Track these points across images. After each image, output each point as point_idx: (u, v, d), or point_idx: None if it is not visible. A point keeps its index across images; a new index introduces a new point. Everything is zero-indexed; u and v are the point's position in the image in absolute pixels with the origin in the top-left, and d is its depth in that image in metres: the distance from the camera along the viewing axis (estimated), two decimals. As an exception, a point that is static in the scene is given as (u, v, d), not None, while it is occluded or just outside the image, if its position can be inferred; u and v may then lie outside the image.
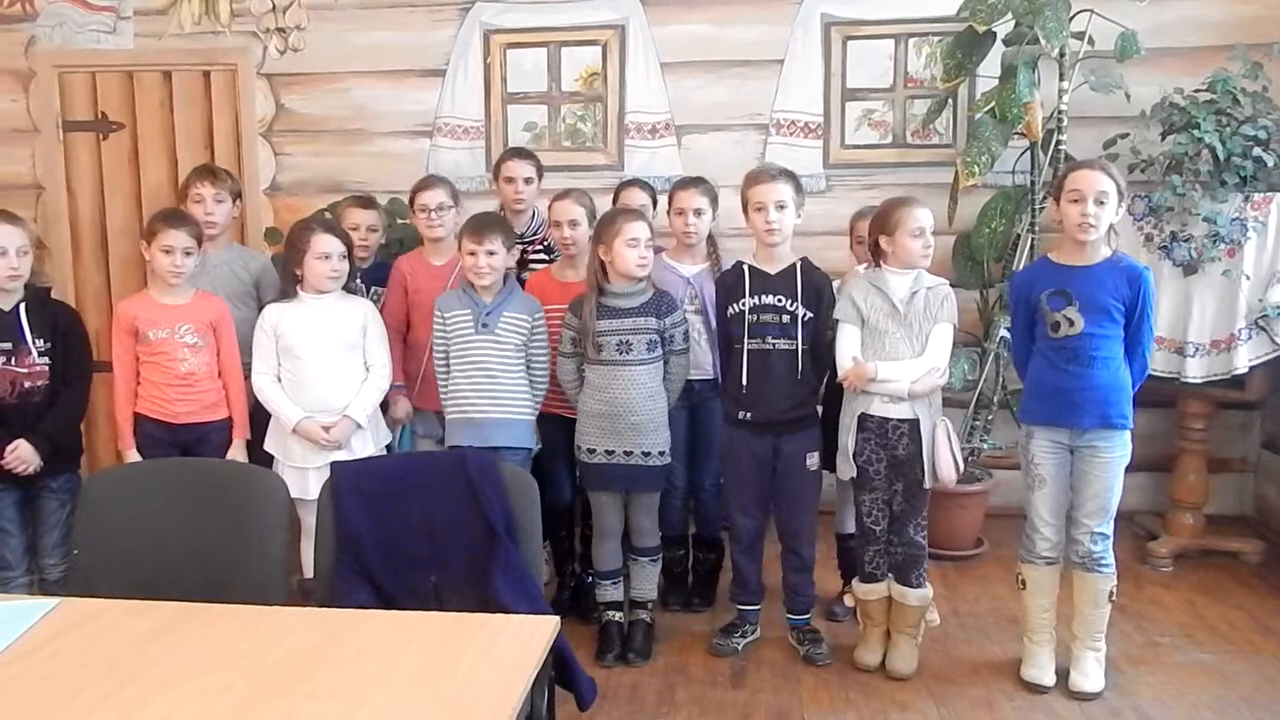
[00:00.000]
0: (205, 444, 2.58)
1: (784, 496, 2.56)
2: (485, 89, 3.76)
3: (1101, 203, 2.23)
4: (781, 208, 2.43)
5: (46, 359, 2.51)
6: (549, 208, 2.86)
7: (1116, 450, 2.32)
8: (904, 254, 2.37)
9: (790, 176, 2.48)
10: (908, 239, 2.36)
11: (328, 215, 3.01)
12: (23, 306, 2.51)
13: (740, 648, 2.61)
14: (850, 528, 2.81)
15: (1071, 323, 2.27)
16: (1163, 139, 3.17)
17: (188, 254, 2.56)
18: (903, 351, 2.40)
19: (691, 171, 3.19)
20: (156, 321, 2.56)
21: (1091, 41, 3.16)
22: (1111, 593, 2.40)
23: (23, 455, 2.46)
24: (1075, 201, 2.25)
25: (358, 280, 2.76)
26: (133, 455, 2.59)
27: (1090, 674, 2.37)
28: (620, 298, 2.49)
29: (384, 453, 2.69)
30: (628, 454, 2.51)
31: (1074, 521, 2.37)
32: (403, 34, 3.76)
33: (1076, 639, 2.40)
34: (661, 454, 2.55)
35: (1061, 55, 3.09)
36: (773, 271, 2.49)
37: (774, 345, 2.46)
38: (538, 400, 2.62)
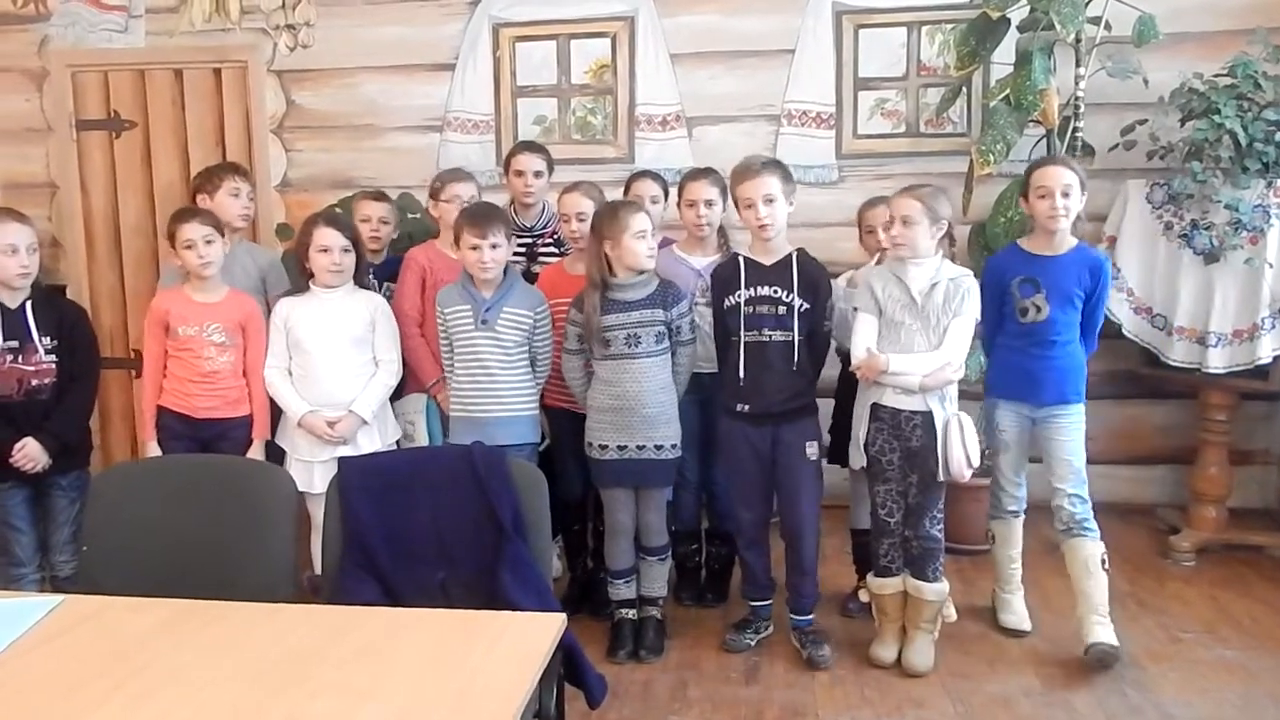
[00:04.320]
0: (225, 440, 2.58)
1: (785, 488, 2.51)
2: (495, 83, 3.74)
3: (1067, 195, 2.42)
4: (770, 201, 2.39)
5: (53, 357, 2.52)
6: (558, 201, 2.84)
7: (1074, 418, 2.52)
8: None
9: (776, 166, 2.44)
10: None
11: (338, 210, 3.00)
12: (29, 304, 2.51)
13: (753, 643, 2.59)
14: (866, 523, 2.77)
15: (1039, 309, 2.47)
16: (1182, 125, 3.11)
17: (209, 243, 2.56)
18: (918, 344, 2.37)
19: (702, 163, 3.16)
20: (187, 318, 2.57)
21: (1108, 26, 3.10)
22: (1104, 560, 2.49)
23: (30, 453, 2.47)
24: (1043, 197, 2.44)
25: (369, 276, 2.75)
26: (152, 447, 2.60)
27: (1105, 635, 2.46)
28: (626, 290, 2.46)
29: (393, 449, 2.68)
30: (639, 448, 2.49)
31: (1054, 492, 2.52)
32: (412, 28, 3.75)
33: (1080, 615, 2.50)
34: (673, 447, 2.52)
35: (1078, 41, 3.04)
36: (768, 263, 2.46)
37: (770, 337, 2.43)
38: (538, 388, 2.60)
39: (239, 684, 1.30)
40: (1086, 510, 2.49)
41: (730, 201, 2.78)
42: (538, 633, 1.40)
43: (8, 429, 2.46)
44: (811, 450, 2.49)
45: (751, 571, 2.61)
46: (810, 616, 2.57)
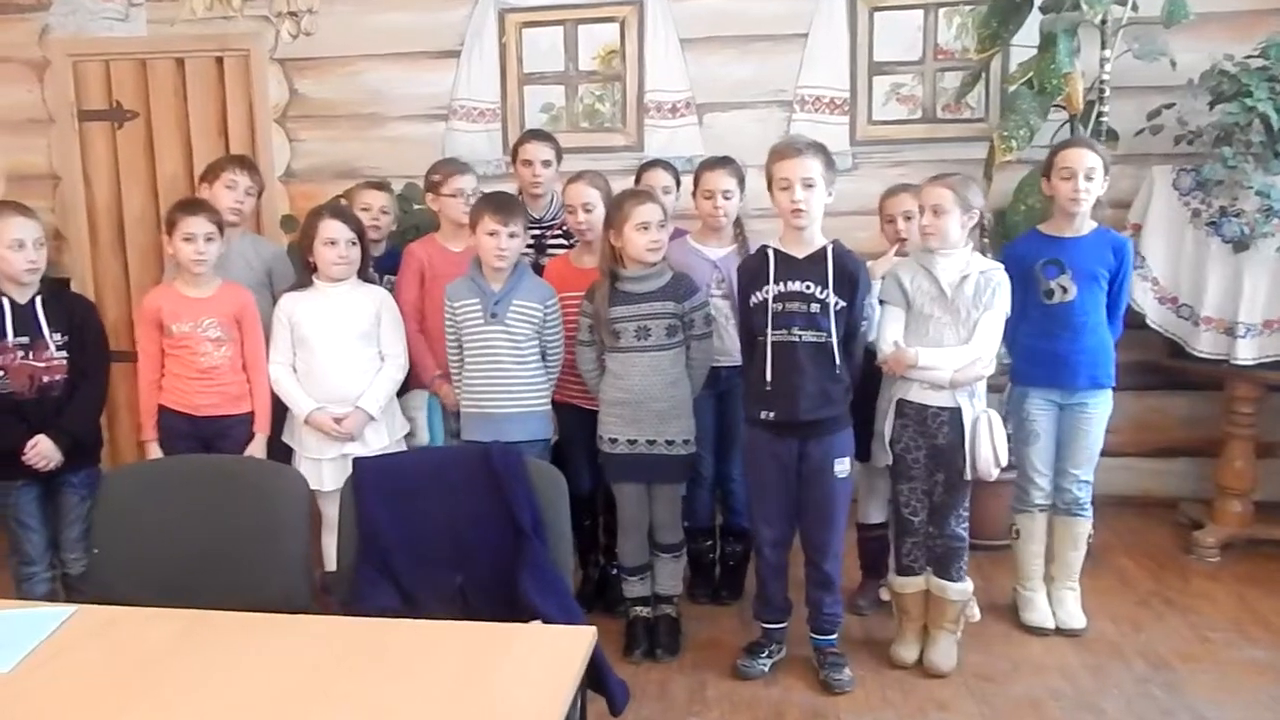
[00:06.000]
0: (226, 438, 2.53)
1: (809, 506, 2.34)
2: (501, 70, 3.67)
3: (1090, 177, 2.43)
4: (809, 186, 2.20)
5: (64, 352, 2.48)
6: (563, 191, 2.78)
7: (1103, 406, 2.54)
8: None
9: (820, 150, 2.25)
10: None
11: (342, 201, 2.94)
12: (39, 299, 2.47)
13: (767, 669, 2.42)
14: (874, 518, 2.74)
15: (1065, 290, 2.47)
16: (1211, 109, 3.03)
17: (209, 240, 2.51)
18: (947, 338, 2.30)
19: (713, 151, 3.09)
20: (180, 315, 2.52)
21: (1135, 7, 3.01)
22: (1090, 535, 2.65)
23: (43, 451, 2.42)
24: (1066, 179, 2.44)
25: (370, 269, 2.69)
26: (154, 448, 2.56)
27: (1074, 612, 2.60)
28: (636, 282, 2.40)
29: (401, 444, 2.64)
30: (650, 443, 2.43)
31: (1063, 473, 2.57)
32: (416, 15, 3.67)
33: (1055, 581, 2.63)
34: (686, 442, 2.47)
35: (1103, 22, 2.95)
36: (800, 256, 2.27)
37: (800, 337, 2.24)
38: (550, 384, 2.55)
39: (258, 699, 1.25)
40: (1089, 492, 2.59)
41: (745, 192, 2.74)
42: (569, 647, 1.34)
43: (19, 426, 2.42)
44: (842, 468, 2.30)
45: (768, 594, 2.44)
46: (833, 637, 2.40)
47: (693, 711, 2.27)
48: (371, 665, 1.32)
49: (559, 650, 1.34)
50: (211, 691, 1.27)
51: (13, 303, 2.43)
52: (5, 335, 2.41)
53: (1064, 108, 3.05)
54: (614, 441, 2.46)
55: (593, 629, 1.40)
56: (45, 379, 2.45)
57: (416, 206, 3.31)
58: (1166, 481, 3.49)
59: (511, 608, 1.65)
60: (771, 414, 2.29)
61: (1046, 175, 2.52)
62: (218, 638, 1.41)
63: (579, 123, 3.67)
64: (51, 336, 2.46)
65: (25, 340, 2.43)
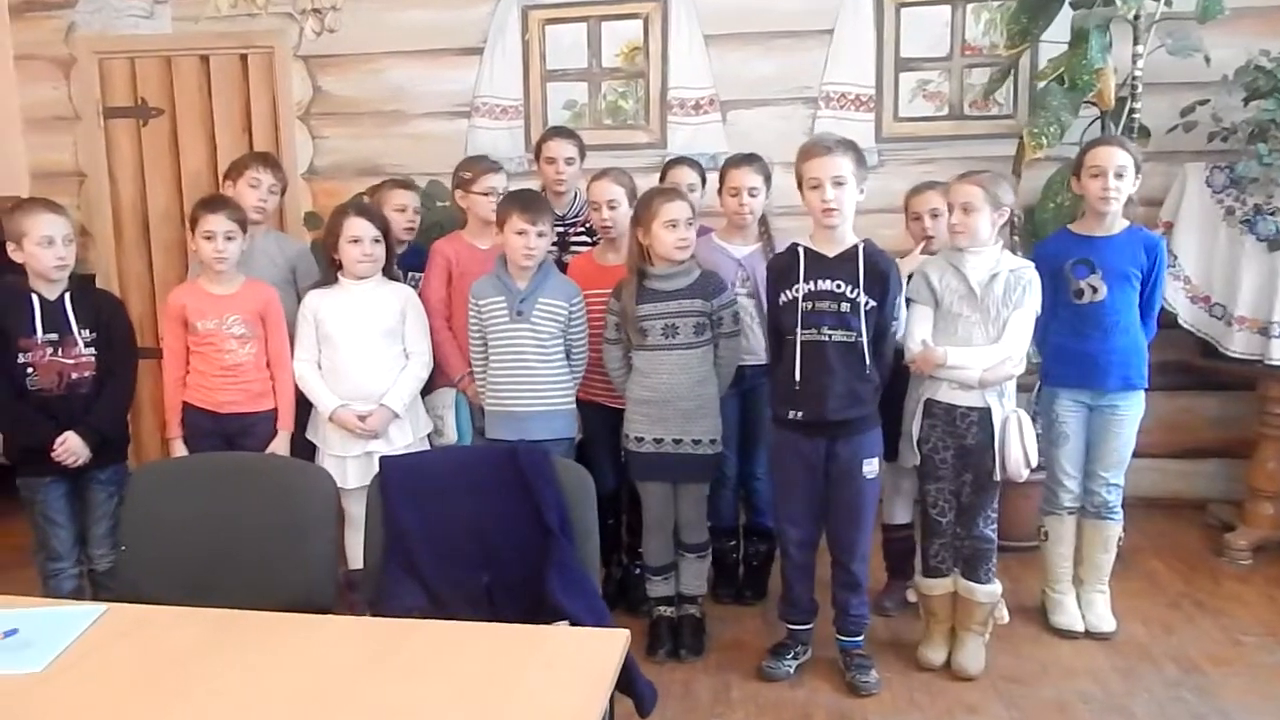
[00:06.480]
0: (249, 435, 2.54)
1: (837, 507, 2.31)
2: (524, 67, 3.66)
3: (1120, 176, 2.39)
4: (840, 184, 2.17)
5: (92, 349, 2.49)
6: (587, 188, 2.77)
7: (1134, 408, 2.50)
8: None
9: (850, 148, 2.21)
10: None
11: (366, 199, 2.94)
12: (67, 296, 2.48)
13: (793, 670, 2.40)
14: (899, 518, 2.72)
15: (1095, 290, 2.44)
16: (1246, 105, 2.98)
17: (229, 238, 2.51)
18: (976, 337, 2.28)
19: (736, 148, 3.08)
20: (205, 312, 2.53)
21: (1169, 2, 2.96)
22: (1120, 538, 2.60)
23: (71, 447, 2.44)
24: (1096, 176, 2.41)
25: (395, 267, 2.69)
26: (179, 445, 2.57)
27: (1104, 615, 2.58)
28: (664, 280, 2.39)
29: (425, 442, 2.64)
30: (676, 442, 2.42)
31: (1091, 475, 2.54)
32: (439, 12, 3.67)
33: (1085, 584, 2.60)
34: (712, 442, 2.45)
35: (1136, 17, 2.90)
36: (831, 254, 2.24)
37: (830, 336, 2.21)
38: (575, 383, 2.54)
39: (287, 700, 1.25)
40: (1119, 495, 2.55)
41: (771, 189, 2.71)
42: (602, 649, 1.32)
43: (48, 423, 2.43)
44: (870, 469, 2.28)
45: (794, 594, 2.42)
46: (859, 638, 2.39)
47: (716, 713, 2.26)
48: (399, 666, 1.31)
49: (592, 653, 1.32)
50: (241, 692, 1.27)
51: (42, 299, 2.44)
52: (35, 332, 2.42)
53: (1095, 104, 3.01)
54: (640, 440, 2.45)
55: (626, 632, 1.39)
56: (74, 375, 2.46)
57: (440, 204, 3.31)
58: (1195, 483, 3.45)
59: (538, 608, 1.64)
60: (800, 414, 2.27)
61: (1076, 174, 2.48)
62: (247, 638, 1.41)
63: (602, 120, 3.66)
64: (80, 333, 2.46)
65: (54, 337, 2.44)
